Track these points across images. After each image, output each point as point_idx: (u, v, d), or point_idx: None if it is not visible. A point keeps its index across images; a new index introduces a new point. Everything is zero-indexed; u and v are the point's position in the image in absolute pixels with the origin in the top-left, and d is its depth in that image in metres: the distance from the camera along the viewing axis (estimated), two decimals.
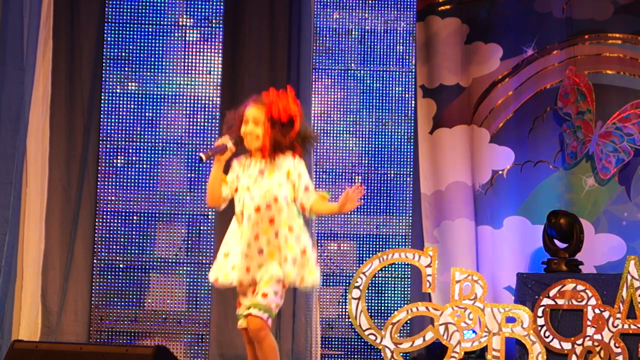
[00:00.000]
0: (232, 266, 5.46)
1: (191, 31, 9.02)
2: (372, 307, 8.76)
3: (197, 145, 8.92)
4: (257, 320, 5.36)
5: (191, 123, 8.96)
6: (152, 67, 8.97)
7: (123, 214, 8.87)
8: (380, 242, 8.93)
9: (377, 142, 9.04)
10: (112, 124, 8.92)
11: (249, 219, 5.44)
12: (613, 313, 7.83)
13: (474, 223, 8.92)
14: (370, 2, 9.08)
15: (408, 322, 8.43)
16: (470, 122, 9.02)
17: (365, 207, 8.98)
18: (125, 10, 8.97)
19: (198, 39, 9.01)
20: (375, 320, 8.41)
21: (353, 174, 9.03)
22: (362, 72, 9.08)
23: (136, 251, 8.85)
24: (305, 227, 5.53)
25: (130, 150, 8.91)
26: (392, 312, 8.36)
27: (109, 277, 8.82)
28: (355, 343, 8.82)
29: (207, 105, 8.96)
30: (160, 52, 8.98)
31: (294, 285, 5.46)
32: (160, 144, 8.95)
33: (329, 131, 9.02)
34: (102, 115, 8.90)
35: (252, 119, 5.50)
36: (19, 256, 8.47)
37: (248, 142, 5.48)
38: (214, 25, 9.01)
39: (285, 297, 8.41)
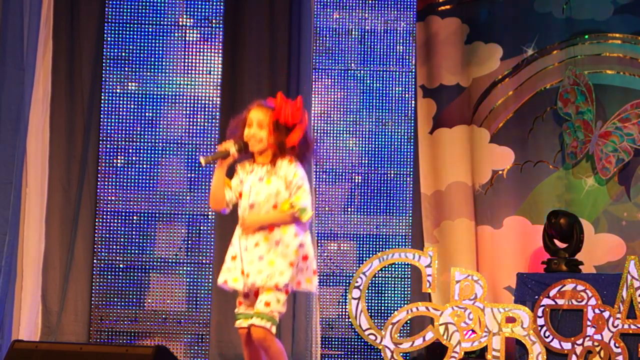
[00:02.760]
0: (242, 270, 5.48)
1: (191, 31, 9.02)
2: (372, 307, 8.76)
3: (197, 145, 8.92)
4: (260, 330, 5.41)
5: (191, 123, 8.96)
6: (152, 67, 8.97)
7: (123, 214, 8.87)
8: (380, 242, 8.93)
9: (377, 142, 9.04)
10: (112, 124, 8.92)
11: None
12: (613, 313, 7.83)
13: (474, 223, 8.92)
14: (370, 2, 9.08)
15: (408, 322, 8.43)
16: (470, 122, 9.02)
17: (365, 207, 8.98)
18: (125, 10, 8.97)
19: (198, 39, 9.02)
20: (375, 320, 8.41)
21: (353, 174, 9.03)
22: (362, 72, 9.08)
23: (136, 251, 8.85)
24: (309, 232, 5.53)
25: (130, 150, 8.92)
26: (392, 312, 8.36)
27: (109, 277, 8.82)
28: (355, 343, 8.82)
29: (207, 105, 8.96)
30: (160, 52, 8.99)
31: (294, 288, 5.48)
32: (160, 144, 8.95)
33: (329, 131, 9.02)
34: (102, 115, 8.90)
35: (257, 121, 5.50)
36: (19, 256, 8.47)
37: (251, 145, 5.49)
38: (214, 25, 9.01)
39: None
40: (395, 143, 9.03)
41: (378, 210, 8.98)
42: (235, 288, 5.50)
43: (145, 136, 8.94)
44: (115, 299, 8.80)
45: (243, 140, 5.49)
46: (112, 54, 8.95)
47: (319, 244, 8.88)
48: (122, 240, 8.85)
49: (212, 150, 8.88)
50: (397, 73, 9.07)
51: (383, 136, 9.04)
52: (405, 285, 8.88)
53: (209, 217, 8.88)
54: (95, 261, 8.80)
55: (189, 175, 8.95)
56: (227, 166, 5.50)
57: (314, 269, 5.52)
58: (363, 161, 9.04)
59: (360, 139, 9.04)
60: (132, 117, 8.94)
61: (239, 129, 5.53)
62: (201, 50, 9.00)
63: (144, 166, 8.92)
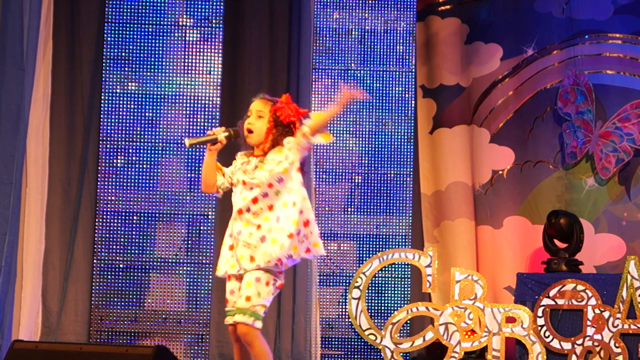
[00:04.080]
0: (239, 256, 5.50)
1: (191, 31, 9.02)
2: (372, 307, 8.76)
3: (197, 145, 8.90)
4: (242, 326, 5.42)
5: (191, 123, 8.96)
6: (152, 67, 8.97)
7: (123, 214, 8.87)
8: (380, 242, 8.93)
9: (377, 142, 9.04)
10: (112, 124, 8.92)
11: (248, 210, 5.47)
12: (613, 313, 7.83)
13: (474, 223, 8.92)
14: (370, 2, 9.08)
15: (408, 322, 8.44)
16: (470, 122, 9.02)
17: (365, 207, 8.98)
18: (125, 10, 8.97)
19: (198, 39, 9.01)
20: (375, 320, 8.41)
21: (353, 174, 9.03)
22: (362, 72, 9.08)
23: (136, 251, 8.85)
24: (307, 197, 5.54)
25: (130, 150, 8.92)
26: (392, 312, 8.36)
27: (109, 277, 8.82)
28: (355, 343, 8.82)
29: (207, 105, 8.96)
30: (160, 52, 8.99)
31: (300, 257, 5.48)
32: (160, 144, 8.95)
33: (329, 131, 9.00)
34: (102, 115, 8.90)
35: (256, 112, 5.54)
36: (19, 256, 8.47)
37: (248, 138, 5.52)
38: (214, 25, 9.01)
39: (284, 297, 8.46)
40: (395, 143, 9.04)
41: (378, 210, 8.98)
42: (235, 274, 5.52)
43: (145, 136, 8.94)
44: (115, 299, 8.80)
45: (235, 130, 5.52)
46: (112, 54, 8.95)
47: None
48: (122, 240, 8.85)
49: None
50: (397, 73, 9.07)
51: (383, 136, 9.04)
52: (405, 285, 8.88)
53: (209, 217, 8.88)
54: (95, 261, 8.80)
55: (189, 175, 8.95)
56: (217, 151, 5.53)
57: (317, 232, 5.54)
58: (363, 161, 9.04)
59: (360, 139, 9.04)
60: (132, 117, 8.94)
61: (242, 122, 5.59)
62: (201, 50, 9.00)
63: (144, 166, 8.92)
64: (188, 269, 8.87)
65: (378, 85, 9.07)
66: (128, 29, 8.98)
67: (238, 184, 5.54)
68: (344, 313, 8.80)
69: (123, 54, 8.96)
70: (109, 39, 8.95)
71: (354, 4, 9.09)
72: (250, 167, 5.54)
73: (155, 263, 8.87)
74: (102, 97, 8.90)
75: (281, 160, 5.47)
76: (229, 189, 5.64)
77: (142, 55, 8.97)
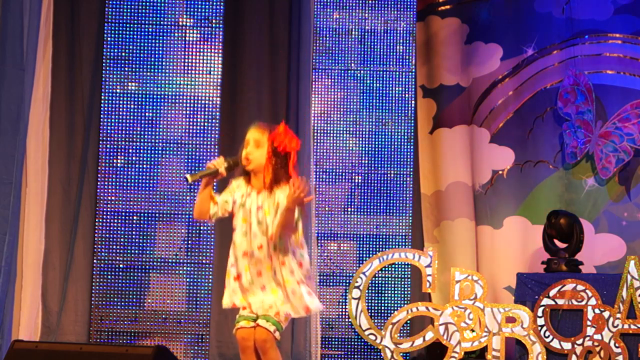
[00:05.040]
0: (246, 300, 5.50)
1: (191, 31, 9.02)
2: (372, 307, 8.76)
3: (197, 145, 8.92)
4: (264, 331, 5.41)
5: (191, 123, 8.96)
6: (152, 67, 8.97)
7: (123, 214, 8.87)
8: (380, 242, 8.93)
9: (377, 142, 9.04)
10: (112, 124, 8.92)
11: (252, 255, 5.45)
12: (613, 313, 7.83)
13: (474, 223, 8.92)
14: (370, 2, 9.08)
15: (408, 322, 8.43)
16: (470, 122, 9.02)
17: (365, 207, 8.98)
18: (125, 10, 8.97)
19: (198, 39, 9.01)
20: (375, 320, 8.41)
21: (353, 174, 9.03)
22: (362, 72, 9.08)
23: (136, 251, 8.85)
24: (304, 257, 5.53)
25: (130, 150, 8.92)
26: (392, 312, 8.36)
27: (109, 277, 8.82)
28: (355, 343, 8.82)
29: (207, 105, 8.96)
30: (160, 52, 8.98)
31: (299, 316, 5.50)
32: (160, 144, 8.95)
33: (329, 131, 9.02)
34: (102, 115, 8.90)
35: (254, 141, 5.48)
36: (19, 256, 8.47)
37: (246, 164, 5.48)
38: (214, 25, 9.01)
39: None
40: (395, 143, 9.03)
41: (378, 210, 8.98)
42: (244, 306, 5.52)
43: (145, 136, 8.94)
44: (115, 299, 8.79)
45: (234, 159, 5.48)
46: (112, 54, 8.95)
47: (319, 244, 8.88)
48: (122, 240, 8.84)
49: (212, 151, 8.89)
50: (397, 73, 9.07)
51: (383, 136, 9.04)
52: (405, 285, 8.88)
53: None
54: (95, 261, 8.80)
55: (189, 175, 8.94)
56: (214, 182, 5.52)
57: (313, 288, 5.55)
58: (363, 161, 9.04)
59: (360, 139, 9.04)
60: (132, 117, 8.94)
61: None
62: (201, 50, 9.00)
63: (144, 166, 8.92)
64: (188, 269, 8.87)
65: (378, 85, 9.06)
66: (128, 29, 8.98)
67: (243, 223, 5.50)
68: (344, 313, 8.80)
69: (123, 54, 8.96)
70: (109, 39, 8.95)
71: (354, 4, 9.09)
72: (254, 206, 5.49)
73: (155, 263, 8.86)
74: (102, 97, 8.90)
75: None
76: (221, 218, 5.60)
77: (142, 55, 8.97)
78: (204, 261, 8.84)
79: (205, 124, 8.95)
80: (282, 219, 5.37)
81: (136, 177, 8.90)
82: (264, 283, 5.44)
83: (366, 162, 9.03)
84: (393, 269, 8.83)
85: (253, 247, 5.44)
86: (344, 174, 9.02)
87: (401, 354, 8.07)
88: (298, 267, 5.45)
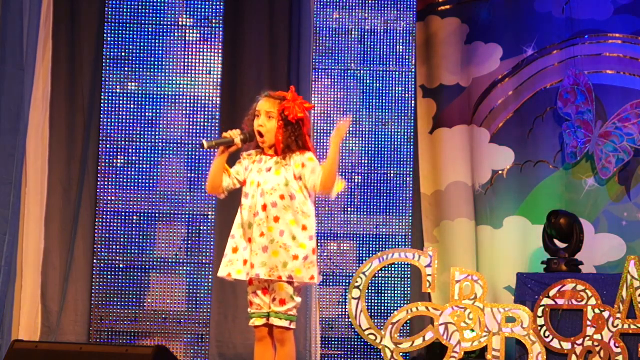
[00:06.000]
0: (244, 261, 5.51)
1: (191, 31, 9.02)
2: (372, 307, 8.76)
3: (197, 145, 8.91)
4: (280, 330, 5.51)
5: (191, 123, 8.96)
6: (152, 67, 8.97)
7: (123, 214, 8.87)
8: (380, 242, 8.93)
9: (377, 142, 9.04)
10: (112, 124, 8.91)
11: (256, 215, 5.47)
12: (613, 313, 7.83)
13: (474, 223, 8.92)
14: (370, 2, 9.08)
15: (408, 322, 8.43)
16: (470, 122, 9.02)
17: (365, 207, 8.98)
18: (125, 10, 8.97)
19: (198, 39, 9.01)
20: (375, 320, 8.41)
21: (353, 174, 9.03)
22: (362, 72, 9.07)
23: (136, 251, 8.85)
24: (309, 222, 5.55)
25: (130, 150, 8.91)
26: (392, 312, 8.36)
27: (109, 277, 8.82)
28: (355, 343, 8.82)
29: (207, 105, 8.96)
30: (160, 52, 8.98)
31: (303, 283, 5.50)
32: (160, 144, 8.95)
33: (329, 131, 9.01)
34: (102, 115, 8.89)
35: (265, 112, 5.52)
36: (19, 256, 8.47)
37: (260, 142, 5.52)
38: (214, 25, 9.01)
39: None
40: (395, 143, 9.03)
41: (378, 210, 8.97)
42: (239, 279, 5.53)
43: (145, 136, 8.94)
44: (115, 299, 8.79)
45: (249, 131, 5.52)
46: (112, 54, 8.95)
47: (319, 244, 8.88)
48: (122, 240, 8.84)
49: (211, 150, 8.87)
50: (397, 73, 9.07)
51: (383, 136, 9.04)
52: (405, 285, 8.88)
53: (209, 217, 8.88)
54: (95, 261, 8.80)
55: (189, 175, 8.95)
56: (229, 154, 5.54)
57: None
58: (363, 161, 9.03)
59: (360, 139, 9.04)
60: (132, 117, 8.94)
61: (249, 119, 5.57)
62: (201, 50, 8.99)
63: (144, 166, 8.92)
64: (188, 269, 8.87)
65: (378, 85, 9.06)
66: (128, 29, 8.98)
67: (252, 186, 5.53)
68: (344, 313, 8.79)
69: (123, 54, 8.96)
70: (109, 39, 8.95)
71: (354, 4, 9.09)
72: (264, 169, 5.53)
73: (155, 263, 8.86)
74: (102, 97, 8.89)
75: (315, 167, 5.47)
76: (234, 190, 5.64)
77: (142, 55, 8.97)
78: (204, 261, 8.83)
79: (205, 124, 8.95)
80: (330, 163, 5.42)
81: (136, 177, 8.90)
82: (265, 244, 5.45)
83: (366, 162, 9.03)
84: (393, 269, 8.83)
85: (258, 208, 5.45)
86: (344, 174, 9.02)
87: (401, 354, 8.07)
88: (302, 231, 5.47)
